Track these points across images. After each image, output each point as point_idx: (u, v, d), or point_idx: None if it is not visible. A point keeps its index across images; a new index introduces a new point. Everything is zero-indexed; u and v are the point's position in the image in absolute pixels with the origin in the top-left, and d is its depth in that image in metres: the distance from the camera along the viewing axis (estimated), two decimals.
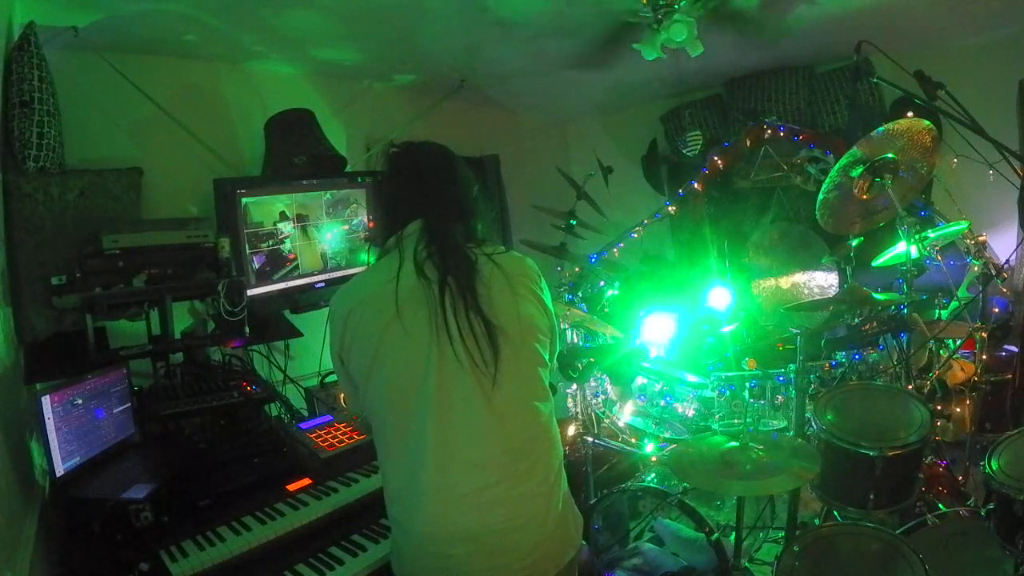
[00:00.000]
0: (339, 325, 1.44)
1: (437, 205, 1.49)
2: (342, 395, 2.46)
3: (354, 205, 3.08)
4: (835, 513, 2.26)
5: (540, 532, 1.39)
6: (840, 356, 2.77)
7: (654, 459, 2.73)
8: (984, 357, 2.64)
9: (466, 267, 1.41)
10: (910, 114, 2.52)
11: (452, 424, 1.35)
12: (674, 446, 2.26)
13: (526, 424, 1.41)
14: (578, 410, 2.81)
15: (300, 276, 2.88)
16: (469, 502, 1.34)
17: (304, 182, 2.89)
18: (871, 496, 2.06)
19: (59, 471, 1.75)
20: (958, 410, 2.67)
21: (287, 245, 2.81)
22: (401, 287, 1.37)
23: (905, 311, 2.59)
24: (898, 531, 1.97)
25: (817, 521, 2.43)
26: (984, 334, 2.62)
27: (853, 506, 2.11)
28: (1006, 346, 2.78)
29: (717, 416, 2.73)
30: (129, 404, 2.06)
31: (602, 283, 3.39)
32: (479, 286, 1.40)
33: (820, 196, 2.56)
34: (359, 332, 1.40)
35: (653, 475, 2.66)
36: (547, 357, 1.48)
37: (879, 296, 2.46)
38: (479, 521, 1.34)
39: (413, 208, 1.49)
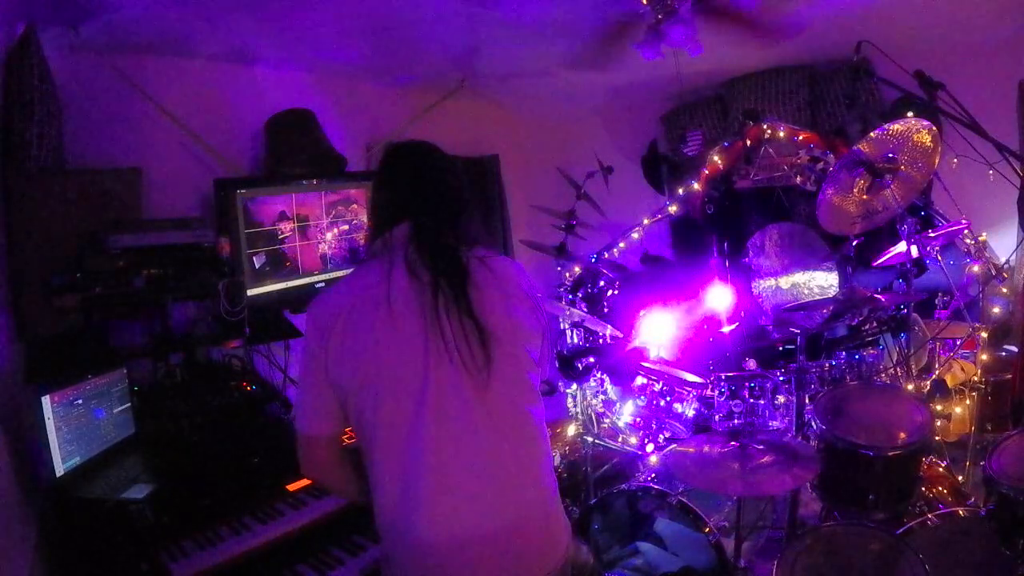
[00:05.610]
0: (324, 331, 1.36)
1: (426, 207, 1.46)
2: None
3: (354, 205, 3.08)
4: (835, 513, 2.26)
5: (536, 537, 1.38)
6: (840, 356, 2.77)
7: (654, 459, 2.72)
8: (984, 357, 2.64)
9: (457, 270, 1.38)
10: (910, 114, 2.52)
11: (449, 428, 1.32)
12: (674, 446, 2.25)
13: (520, 428, 1.39)
14: (578, 410, 2.81)
15: (300, 276, 2.88)
16: (469, 507, 1.32)
17: (304, 182, 2.89)
18: (871, 496, 2.06)
19: (59, 471, 1.75)
20: (958, 410, 2.67)
21: (287, 245, 2.81)
22: (393, 289, 1.35)
23: (906, 311, 2.59)
24: (898, 531, 1.97)
25: (817, 521, 2.43)
26: (984, 334, 2.62)
27: (853, 506, 2.11)
28: (1006, 346, 2.79)
29: (717, 416, 2.73)
30: (129, 404, 2.06)
31: (602, 283, 3.39)
32: (471, 289, 1.37)
33: (820, 196, 2.56)
34: (351, 336, 1.35)
35: (653, 475, 2.66)
36: (536, 359, 1.46)
37: (879, 296, 2.46)
38: (478, 527, 1.32)
39: (402, 210, 1.46)
